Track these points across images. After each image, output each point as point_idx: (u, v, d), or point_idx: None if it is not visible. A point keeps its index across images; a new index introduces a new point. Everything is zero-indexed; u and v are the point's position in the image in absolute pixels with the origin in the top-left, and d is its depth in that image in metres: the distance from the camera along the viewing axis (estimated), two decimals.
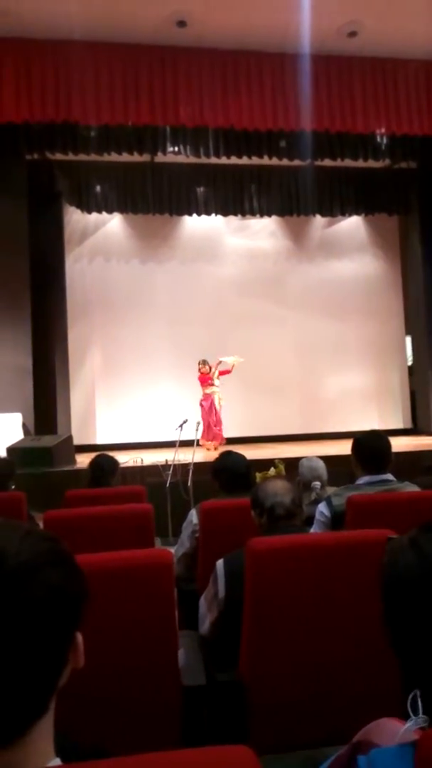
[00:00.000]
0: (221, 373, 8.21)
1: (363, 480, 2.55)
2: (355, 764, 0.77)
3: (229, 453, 2.91)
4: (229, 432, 8.52)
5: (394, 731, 0.82)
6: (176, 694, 1.55)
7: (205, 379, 8.19)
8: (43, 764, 0.65)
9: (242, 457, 2.88)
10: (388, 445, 2.60)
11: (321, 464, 3.58)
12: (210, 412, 8.06)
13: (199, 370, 8.19)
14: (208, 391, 8.18)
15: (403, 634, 0.81)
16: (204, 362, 8.20)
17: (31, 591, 0.63)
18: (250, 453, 7.08)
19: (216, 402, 8.14)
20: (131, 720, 1.50)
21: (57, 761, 0.67)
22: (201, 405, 8.16)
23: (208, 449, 7.66)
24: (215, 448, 7.60)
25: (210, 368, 8.20)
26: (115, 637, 1.47)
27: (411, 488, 2.55)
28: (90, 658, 0.71)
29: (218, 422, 8.14)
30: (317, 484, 3.47)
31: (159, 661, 1.53)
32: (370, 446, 2.60)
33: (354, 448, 2.63)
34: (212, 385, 8.17)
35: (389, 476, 2.56)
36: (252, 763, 0.59)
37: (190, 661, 1.74)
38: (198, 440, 6.64)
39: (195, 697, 1.61)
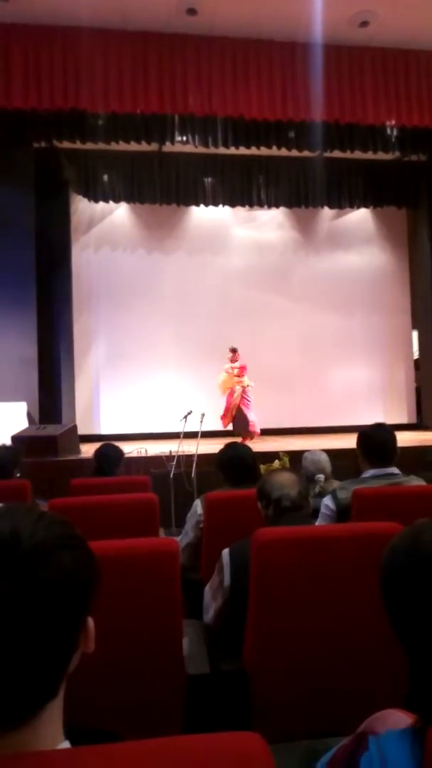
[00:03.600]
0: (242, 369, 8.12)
1: (368, 473, 2.54)
2: (359, 755, 0.78)
3: (235, 445, 2.91)
4: None
5: (398, 722, 0.83)
6: (180, 683, 1.56)
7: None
8: (52, 747, 0.65)
9: (248, 449, 2.88)
10: (394, 439, 2.60)
11: (324, 457, 3.57)
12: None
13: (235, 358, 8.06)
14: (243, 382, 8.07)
15: (400, 619, 0.83)
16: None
17: (45, 573, 0.63)
18: (255, 445, 7.11)
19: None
20: (135, 707, 1.51)
21: (66, 744, 0.67)
22: (248, 397, 8.03)
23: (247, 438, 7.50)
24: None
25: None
26: (120, 624, 1.47)
27: (417, 482, 2.54)
28: (95, 644, 0.72)
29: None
30: (321, 476, 3.47)
31: (163, 650, 1.54)
32: (376, 440, 2.59)
33: (359, 441, 2.62)
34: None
35: (395, 470, 2.55)
36: (262, 749, 0.59)
37: (194, 650, 1.75)
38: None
39: (199, 686, 1.62)
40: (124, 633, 1.48)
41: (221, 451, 2.85)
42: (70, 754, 0.64)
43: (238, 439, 6.62)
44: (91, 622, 0.70)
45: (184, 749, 0.58)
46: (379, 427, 2.67)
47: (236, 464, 2.73)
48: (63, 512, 2.36)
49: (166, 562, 1.53)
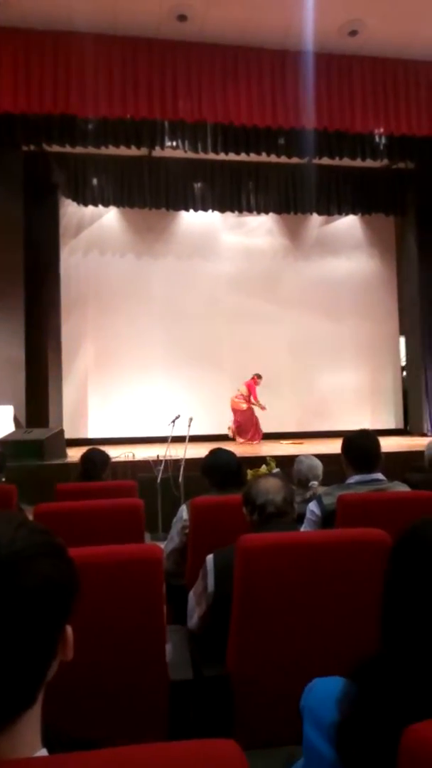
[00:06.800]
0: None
1: (353, 479, 2.56)
2: None
3: (219, 450, 2.91)
4: (222, 428, 8.55)
5: None
6: (163, 689, 1.56)
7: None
8: (30, 755, 0.65)
9: (233, 454, 2.88)
10: (377, 445, 2.61)
11: (319, 463, 3.60)
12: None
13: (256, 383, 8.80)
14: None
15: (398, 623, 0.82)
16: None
17: (24, 580, 0.63)
18: (243, 450, 7.11)
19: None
20: (118, 713, 1.50)
21: (43, 752, 0.67)
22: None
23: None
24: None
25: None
26: (103, 630, 1.47)
27: (401, 488, 2.56)
28: (77, 651, 0.72)
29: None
30: (315, 483, 3.49)
31: (147, 655, 1.53)
32: (359, 446, 2.61)
33: (344, 447, 2.63)
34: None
35: (379, 476, 2.57)
36: (238, 756, 0.59)
37: (177, 656, 1.74)
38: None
39: (182, 692, 1.62)
40: (107, 639, 1.48)
41: (206, 457, 2.86)
42: (47, 761, 0.64)
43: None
44: (69, 630, 0.71)
45: (157, 757, 0.59)
46: (362, 433, 2.69)
47: (220, 470, 2.74)
48: (48, 517, 2.35)
49: (149, 569, 1.53)
